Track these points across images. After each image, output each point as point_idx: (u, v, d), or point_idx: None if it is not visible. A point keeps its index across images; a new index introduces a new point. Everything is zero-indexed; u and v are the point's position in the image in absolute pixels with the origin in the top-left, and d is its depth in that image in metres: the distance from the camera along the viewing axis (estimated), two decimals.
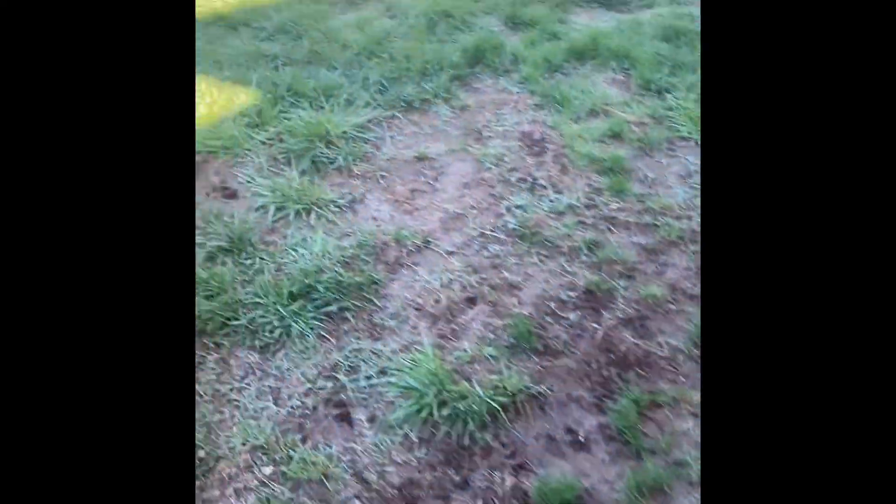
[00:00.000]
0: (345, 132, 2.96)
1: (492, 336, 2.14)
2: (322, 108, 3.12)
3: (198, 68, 3.46)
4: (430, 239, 2.50)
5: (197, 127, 2.96)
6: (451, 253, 2.45)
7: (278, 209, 2.58)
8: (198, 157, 2.85)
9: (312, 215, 2.58)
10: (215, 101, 3.13)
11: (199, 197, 2.70)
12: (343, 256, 2.38)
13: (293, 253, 2.39)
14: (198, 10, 4.13)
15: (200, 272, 2.27)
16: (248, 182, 2.75)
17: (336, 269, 2.31)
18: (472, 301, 2.27)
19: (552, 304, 2.26)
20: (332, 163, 2.85)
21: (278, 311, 2.16)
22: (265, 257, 2.37)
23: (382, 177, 2.81)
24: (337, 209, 2.62)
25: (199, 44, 3.74)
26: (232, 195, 2.72)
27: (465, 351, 2.09)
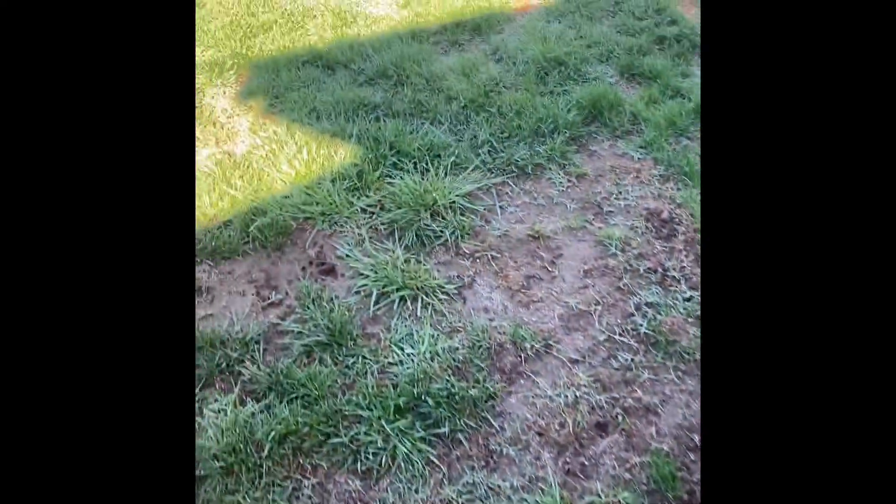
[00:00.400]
0: (452, 202, 2.72)
1: (628, 476, 1.86)
2: (427, 170, 2.88)
3: (293, 116, 3.28)
4: (551, 342, 2.23)
5: (293, 187, 2.77)
6: (575, 361, 2.17)
7: (381, 294, 2.35)
8: (294, 224, 2.66)
9: (419, 303, 2.33)
10: (313, 157, 2.93)
11: (296, 272, 2.49)
12: (454, 360, 2.13)
13: (398, 351, 2.15)
14: (291, 46, 3.97)
15: (297, 372, 2.05)
16: (348, 257, 2.53)
17: (447, 376, 2.06)
18: (602, 428, 1.98)
19: (695, 438, 1.96)
20: (438, 237, 2.61)
21: (383, 427, 1.92)
22: (368, 355, 2.14)
23: (494, 258, 2.55)
24: (445, 296, 2.37)
25: (294, 86, 3.57)
26: (329, 271, 2.50)
27: (598, 496, 1.81)
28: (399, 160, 2.93)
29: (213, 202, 2.69)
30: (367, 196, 2.76)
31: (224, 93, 3.56)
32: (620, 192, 2.90)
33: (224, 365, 2.11)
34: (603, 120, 3.34)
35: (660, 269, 2.52)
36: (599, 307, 2.36)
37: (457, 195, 2.74)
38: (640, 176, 3.01)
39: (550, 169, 3.00)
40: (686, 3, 4.59)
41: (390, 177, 2.87)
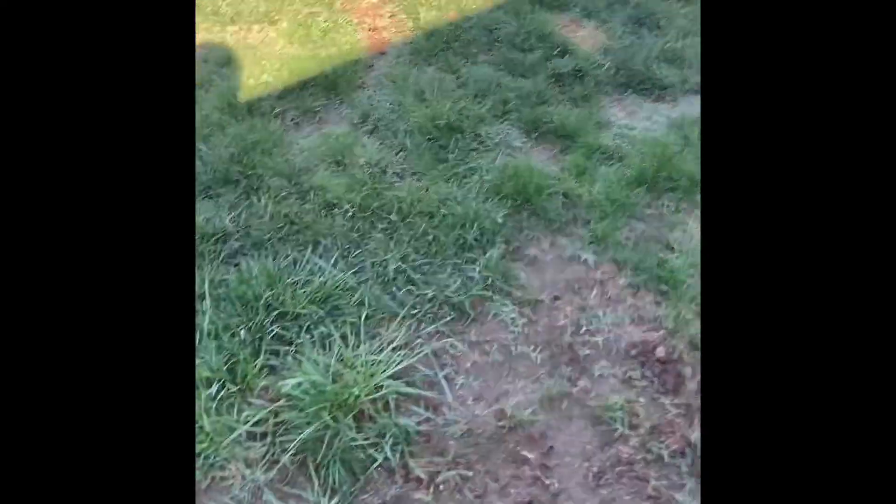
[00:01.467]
0: (379, 388, 1.92)
1: None
2: (329, 337, 2.06)
3: None
4: None
5: None
6: None
7: None
8: None
9: None
10: None
11: None
12: None
13: None
14: None
15: None
16: None
17: None
18: None
19: None
20: (373, 459, 1.81)
21: None
22: None
23: (463, 478, 1.81)
24: None
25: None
26: None
27: None
28: (284, 328, 2.08)
29: None
30: (251, 406, 1.89)
31: None
32: (591, 322, 2.26)
33: None
34: (533, 208, 2.69)
35: (688, 450, 1.90)
36: None
37: (385, 377, 1.95)
38: (605, 291, 2.38)
39: (494, 300, 2.29)
40: (570, 24, 4.06)
41: (277, 360, 2.01)
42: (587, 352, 2.17)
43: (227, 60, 3.49)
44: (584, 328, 2.25)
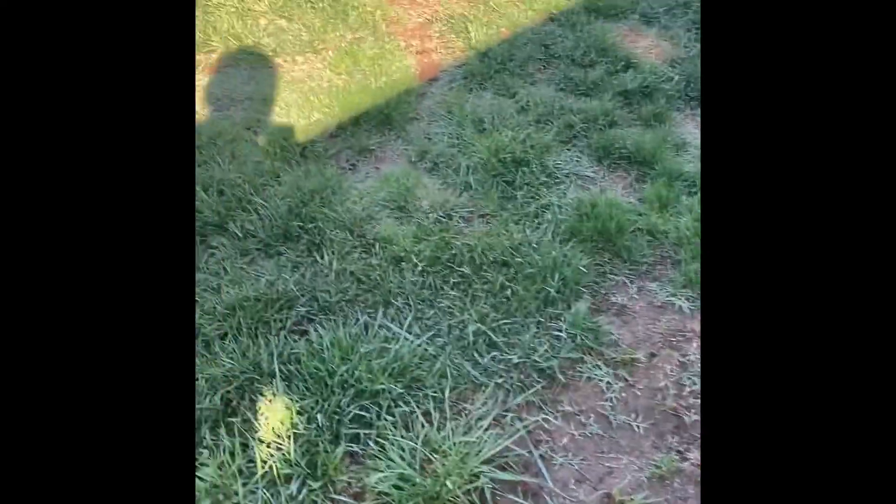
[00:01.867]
0: (474, 477, 1.76)
1: None
2: (412, 414, 1.90)
3: None
4: None
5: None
6: None
7: None
8: None
9: None
10: (209, 438, 1.86)
11: None
12: None
13: None
14: None
15: None
16: None
17: None
18: None
19: None
20: None
21: None
22: None
23: None
24: None
25: None
26: None
27: None
28: (363, 408, 1.93)
29: None
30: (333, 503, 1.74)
31: None
32: (694, 382, 2.07)
33: None
34: (615, 249, 2.49)
35: None
36: None
37: (478, 464, 1.78)
38: None
39: (586, 362, 2.11)
40: (630, 34, 3.85)
41: (357, 446, 1.86)
42: (694, 417, 1.98)
43: (273, 98, 3.36)
44: (686, 389, 2.06)
